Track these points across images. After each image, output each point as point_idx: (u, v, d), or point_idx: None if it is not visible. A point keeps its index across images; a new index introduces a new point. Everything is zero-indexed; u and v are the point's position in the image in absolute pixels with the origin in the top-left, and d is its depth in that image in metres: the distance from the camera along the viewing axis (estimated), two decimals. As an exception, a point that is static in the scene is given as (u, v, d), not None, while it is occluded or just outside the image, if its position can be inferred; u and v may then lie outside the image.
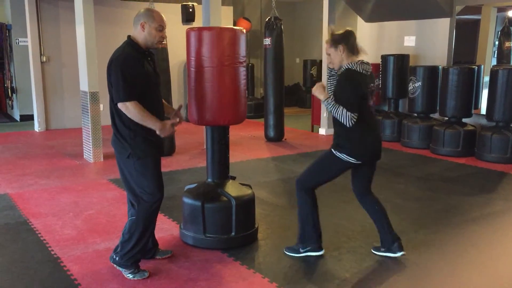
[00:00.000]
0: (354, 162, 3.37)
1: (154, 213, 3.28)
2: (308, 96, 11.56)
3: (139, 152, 3.17)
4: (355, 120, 3.21)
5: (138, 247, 3.26)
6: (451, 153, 6.97)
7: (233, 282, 3.26)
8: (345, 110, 3.19)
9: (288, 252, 3.66)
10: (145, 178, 3.20)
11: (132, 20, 3.21)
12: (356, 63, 3.30)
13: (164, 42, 6.66)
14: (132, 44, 3.17)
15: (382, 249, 3.60)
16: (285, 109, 8.30)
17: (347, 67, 3.29)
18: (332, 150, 3.41)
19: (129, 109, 3.05)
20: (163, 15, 3.23)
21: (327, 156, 3.48)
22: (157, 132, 3.14)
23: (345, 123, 3.22)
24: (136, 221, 3.25)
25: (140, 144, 3.17)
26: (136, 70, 3.07)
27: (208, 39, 3.51)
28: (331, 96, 3.33)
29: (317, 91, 3.33)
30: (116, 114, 3.17)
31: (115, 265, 3.33)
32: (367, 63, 3.36)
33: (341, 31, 3.35)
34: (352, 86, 3.25)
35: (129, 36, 3.21)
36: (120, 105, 3.07)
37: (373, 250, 3.65)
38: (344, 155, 3.35)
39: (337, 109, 3.22)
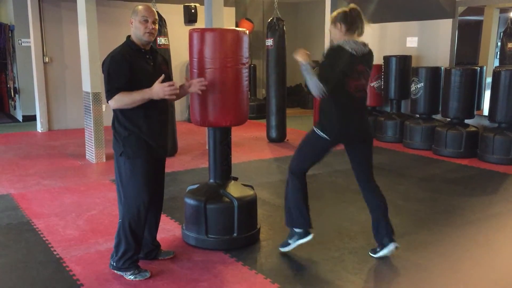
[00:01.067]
0: (328, 139, 3.37)
1: (140, 216, 3.24)
2: (310, 97, 11.55)
3: (130, 152, 3.18)
4: (324, 93, 3.18)
5: (131, 250, 3.26)
6: (453, 154, 6.96)
7: (235, 283, 3.26)
8: (318, 81, 3.17)
9: (280, 248, 3.68)
10: (133, 179, 3.20)
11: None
12: (348, 41, 3.27)
13: (167, 42, 6.73)
14: (129, 44, 3.20)
15: (378, 249, 3.60)
16: (287, 110, 8.29)
17: (338, 43, 3.28)
18: (314, 128, 3.45)
19: (117, 103, 3.10)
20: (151, 7, 3.22)
21: (310, 135, 3.50)
22: (156, 97, 3.11)
23: (313, 92, 3.20)
24: (123, 224, 3.25)
25: (133, 144, 3.17)
26: (122, 69, 3.08)
27: (211, 40, 3.51)
28: (311, 65, 3.26)
29: (299, 54, 3.26)
30: (114, 112, 3.22)
31: (115, 271, 3.32)
32: (364, 44, 3.31)
33: (344, 9, 3.33)
34: (331, 61, 3.24)
35: (128, 36, 3.25)
36: (109, 103, 3.14)
37: (370, 253, 3.64)
38: (319, 131, 3.39)
39: (312, 76, 3.19)
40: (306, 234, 3.57)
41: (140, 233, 3.29)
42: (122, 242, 3.25)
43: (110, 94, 3.09)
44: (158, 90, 3.12)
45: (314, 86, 3.19)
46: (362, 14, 3.32)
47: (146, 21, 3.15)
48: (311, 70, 3.22)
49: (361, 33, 3.33)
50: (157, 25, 3.26)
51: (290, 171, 3.56)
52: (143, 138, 3.19)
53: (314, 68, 3.28)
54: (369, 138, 3.53)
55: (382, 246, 3.55)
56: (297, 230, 3.58)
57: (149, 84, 3.15)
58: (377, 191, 3.59)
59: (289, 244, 3.62)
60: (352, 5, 3.36)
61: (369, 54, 3.37)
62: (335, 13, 3.36)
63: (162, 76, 3.16)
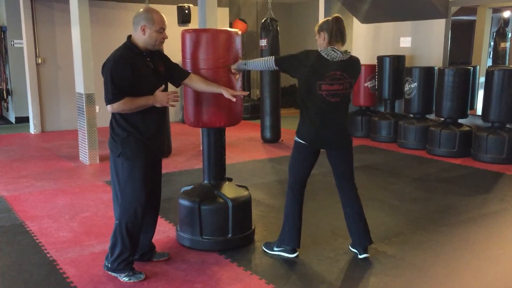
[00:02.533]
0: (305, 143, 3.43)
1: (137, 217, 3.23)
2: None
3: (129, 153, 3.16)
4: (272, 63, 3.42)
5: (127, 251, 3.24)
6: (447, 153, 6.98)
7: (230, 284, 3.25)
8: (262, 59, 3.47)
9: (264, 247, 3.73)
10: (131, 181, 3.19)
11: (129, 22, 3.20)
12: (326, 49, 3.32)
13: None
14: (130, 46, 3.17)
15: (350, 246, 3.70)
16: (281, 111, 8.30)
17: (314, 49, 3.39)
18: (295, 136, 3.54)
19: (118, 109, 3.09)
20: (162, 15, 3.21)
21: (294, 145, 3.57)
22: (157, 105, 3.15)
23: (268, 65, 3.46)
24: (119, 225, 3.23)
25: (131, 145, 3.16)
26: (126, 73, 3.06)
27: (204, 41, 3.50)
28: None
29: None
30: (112, 114, 3.20)
31: (109, 272, 3.31)
32: (344, 52, 3.33)
33: (327, 18, 3.42)
34: (295, 54, 3.39)
35: (129, 37, 3.21)
36: (108, 107, 3.11)
37: (350, 246, 3.69)
38: (296, 137, 3.48)
39: (254, 60, 3.56)
40: (293, 251, 3.62)
41: (136, 234, 3.27)
42: (118, 244, 3.23)
43: (114, 99, 3.06)
44: (162, 98, 3.15)
45: (262, 63, 3.48)
46: (343, 23, 3.38)
47: (162, 32, 3.16)
48: (244, 62, 3.54)
49: (343, 42, 3.38)
50: None
51: (288, 185, 3.60)
52: (141, 140, 3.18)
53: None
54: (347, 144, 3.51)
55: (357, 250, 3.63)
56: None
57: (149, 88, 3.15)
58: (355, 197, 3.60)
59: (273, 249, 3.67)
60: (335, 15, 3.43)
61: (350, 61, 3.38)
62: (319, 23, 3.44)
63: (163, 87, 3.20)
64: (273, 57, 3.47)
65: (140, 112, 3.16)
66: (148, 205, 3.34)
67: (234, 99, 3.43)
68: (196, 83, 3.44)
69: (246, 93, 3.69)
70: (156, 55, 3.32)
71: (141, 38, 3.15)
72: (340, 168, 3.56)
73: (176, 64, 3.47)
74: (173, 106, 3.26)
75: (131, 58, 3.12)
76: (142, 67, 3.16)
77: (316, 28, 3.41)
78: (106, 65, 3.10)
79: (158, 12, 3.20)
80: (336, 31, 3.32)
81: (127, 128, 3.16)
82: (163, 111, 3.33)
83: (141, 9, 3.21)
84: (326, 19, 3.41)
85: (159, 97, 3.15)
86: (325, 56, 3.30)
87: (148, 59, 3.22)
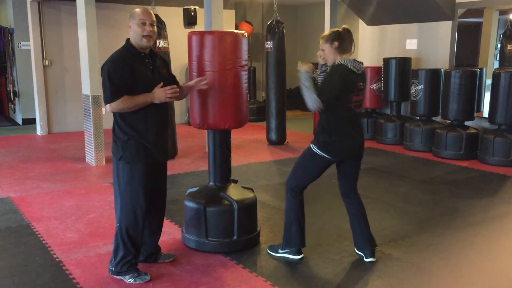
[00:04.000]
0: (327, 157, 3.40)
1: (138, 221, 3.23)
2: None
3: (129, 157, 3.16)
4: (319, 106, 3.26)
5: (130, 255, 3.25)
6: (453, 156, 6.95)
7: (235, 285, 3.25)
8: (314, 94, 3.25)
9: (269, 250, 3.72)
10: (131, 184, 3.19)
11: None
12: (349, 60, 3.35)
13: (166, 45, 6.73)
14: (128, 47, 3.19)
15: (356, 249, 3.67)
16: (287, 113, 8.29)
17: (340, 62, 3.35)
18: (311, 145, 3.47)
19: (117, 108, 3.10)
20: (147, 9, 3.21)
21: (306, 152, 3.52)
22: (156, 101, 3.14)
23: (308, 103, 3.29)
24: (120, 229, 3.24)
25: (132, 149, 3.16)
26: (123, 73, 3.08)
27: (210, 43, 3.51)
28: (312, 77, 3.35)
29: (304, 65, 3.34)
30: (114, 116, 3.21)
31: (114, 276, 3.31)
32: (360, 62, 3.41)
33: (338, 29, 3.41)
34: (338, 80, 3.30)
35: (127, 39, 3.23)
36: (107, 107, 3.12)
37: (356, 249, 3.68)
38: (316, 148, 3.41)
39: (309, 88, 3.27)
40: (298, 252, 3.62)
41: (138, 238, 3.27)
42: (120, 247, 3.24)
43: (112, 98, 3.08)
44: (160, 94, 3.13)
45: (311, 99, 3.26)
46: (352, 34, 3.42)
47: (144, 24, 3.13)
48: (311, 82, 3.30)
49: (352, 52, 3.42)
50: (155, 27, 3.24)
51: (289, 188, 3.58)
52: (142, 143, 3.17)
53: (315, 80, 3.38)
54: (362, 154, 3.55)
55: (363, 254, 3.60)
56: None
57: (148, 89, 3.14)
58: (359, 201, 3.61)
59: (278, 252, 3.67)
60: (344, 26, 3.44)
61: (363, 71, 3.45)
62: (327, 33, 3.44)
63: (161, 84, 3.17)
64: (317, 98, 3.24)
65: (142, 114, 3.15)
66: (151, 208, 3.35)
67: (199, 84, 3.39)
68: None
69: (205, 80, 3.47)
70: (158, 58, 3.33)
71: (132, 37, 3.18)
72: (349, 177, 3.57)
73: (173, 75, 3.49)
74: (171, 100, 3.23)
75: (129, 58, 3.14)
76: (141, 67, 3.17)
77: (325, 38, 3.39)
78: (104, 66, 3.13)
79: (144, 8, 3.21)
80: (348, 41, 3.36)
81: (128, 131, 3.16)
82: (165, 112, 3.32)
83: None
84: (335, 29, 3.41)
85: (157, 93, 3.13)
86: (353, 69, 3.33)
87: (147, 60, 3.22)
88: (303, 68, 3.32)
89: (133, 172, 3.18)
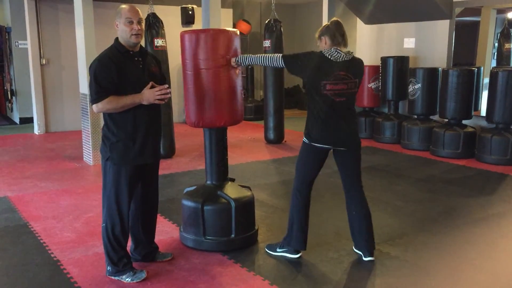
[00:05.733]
0: (314, 144, 3.42)
1: (122, 222, 3.21)
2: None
3: (116, 158, 3.15)
4: (281, 62, 3.43)
5: (120, 251, 3.24)
6: (451, 155, 6.96)
7: (233, 284, 3.25)
8: (271, 55, 3.48)
9: (267, 249, 3.73)
10: (116, 185, 3.17)
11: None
12: (329, 49, 3.35)
13: (164, 44, 6.72)
14: (116, 46, 3.16)
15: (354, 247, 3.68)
16: (285, 111, 8.28)
17: (318, 51, 3.42)
18: (303, 138, 3.52)
19: (103, 108, 3.07)
20: (134, 7, 3.14)
21: (301, 147, 3.55)
22: (144, 102, 3.08)
23: (271, 64, 3.49)
24: (106, 229, 3.23)
25: (120, 151, 3.14)
26: (109, 73, 3.04)
27: (202, 41, 3.51)
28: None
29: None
30: (103, 116, 3.19)
31: (111, 277, 3.30)
32: (347, 53, 3.37)
33: (326, 23, 3.44)
34: (300, 54, 3.42)
35: (116, 38, 3.20)
36: (93, 107, 3.10)
37: (354, 248, 3.68)
38: (304, 138, 3.46)
39: (259, 56, 3.57)
40: (296, 252, 3.62)
41: (123, 238, 3.25)
42: (108, 248, 3.24)
43: (98, 98, 3.04)
44: (149, 95, 3.09)
45: (268, 59, 3.50)
46: (343, 26, 3.41)
47: (131, 22, 3.09)
48: (250, 54, 3.52)
49: (345, 44, 3.40)
50: (143, 24, 3.20)
51: (294, 187, 3.59)
52: (131, 144, 3.14)
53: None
54: (355, 144, 3.50)
55: (362, 252, 3.61)
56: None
57: (137, 87, 3.11)
58: (362, 199, 3.59)
59: (276, 251, 3.67)
60: (334, 19, 3.45)
61: (353, 61, 3.40)
62: (319, 29, 3.46)
63: (150, 84, 3.13)
64: (282, 55, 3.49)
65: (130, 114, 3.12)
66: (144, 207, 3.37)
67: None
68: None
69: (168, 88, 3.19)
70: (148, 55, 3.30)
71: (120, 36, 3.15)
72: (347, 169, 3.55)
73: (163, 75, 3.45)
74: (161, 102, 3.14)
75: (117, 57, 3.10)
76: (129, 66, 3.13)
77: (317, 35, 3.43)
78: (91, 65, 3.10)
79: (130, 5, 3.17)
80: (337, 34, 3.35)
81: (116, 132, 3.14)
82: (156, 112, 3.28)
83: None
84: (325, 24, 3.44)
85: (146, 95, 3.08)
86: (328, 57, 3.33)
87: (137, 58, 3.19)
88: (232, 63, 3.56)
89: (120, 173, 3.16)
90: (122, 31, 3.11)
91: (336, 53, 3.33)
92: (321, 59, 3.34)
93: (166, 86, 3.14)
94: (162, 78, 3.40)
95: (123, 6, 3.17)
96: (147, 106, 3.15)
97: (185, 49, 3.59)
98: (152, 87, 3.13)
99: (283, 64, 3.45)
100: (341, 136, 3.44)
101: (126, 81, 3.09)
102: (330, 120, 3.38)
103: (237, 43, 3.64)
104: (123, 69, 3.09)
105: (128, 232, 3.30)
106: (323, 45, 3.39)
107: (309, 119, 3.45)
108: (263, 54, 3.61)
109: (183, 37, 3.60)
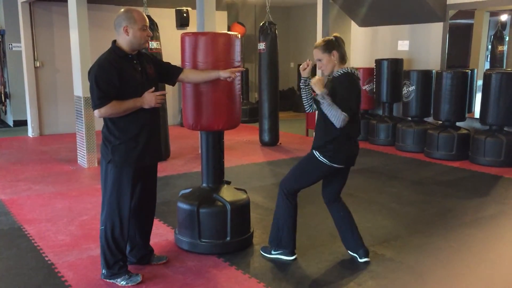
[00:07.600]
0: (336, 166, 3.39)
1: (122, 224, 3.20)
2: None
3: (118, 160, 3.14)
4: (346, 122, 3.23)
5: (118, 255, 3.23)
6: (445, 156, 6.99)
7: (229, 287, 3.25)
8: (340, 111, 3.20)
9: (262, 251, 3.73)
10: (117, 187, 3.17)
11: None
12: (351, 68, 3.38)
13: (159, 46, 6.72)
14: (115, 50, 3.14)
15: (349, 251, 3.68)
16: (279, 114, 8.30)
17: (346, 71, 3.34)
18: (315, 152, 3.42)
19: (105, 113, 3.07)
20: (142, 13, 3.18)
21: (309, 158, 3.48)
22: (146, 106, 3.12)
23: (336, 123, 3.23)
24: (105, 231, 3.22)
25: (122, 153, 3.13)
26: (110, 77, 3.04)
27: (203, 44, 3.51)
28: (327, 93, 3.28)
29: (318, 84, 3.27)
30: (104, 119, 3.17)
31: (107, 280, 3.29)
32: (357, 69, 3.46)
33: (331, 37, 3.41)
34: (354, 90, 3.33)
35: (113, 41, 3.17)
36: (96, 113, 3.09)
37: (349, 250, 3.69)
38: (321, 156, 3.37)
39: (332, 107, 3.22)
40: (291, 254, 3.62)
41: (122, 241, 3.24)
42: (106, 251, 3.23)
43: (100, 103, 3.04)
44: (150, 99, 3.12)
45: (337, 116, 3.21)
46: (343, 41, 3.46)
47: (145, 29, 3.12)
48: (329, 99, 3.24)
49: (346, 60, 3.43)
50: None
51: (283, 190, 3.56)
52: (133, 146, 3.15)
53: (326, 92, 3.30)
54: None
55: (356, 255, 3.62)
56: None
57: (137, 91, 3.12)
58: (343, 202, 3.64)
59: (271, 253, 3.67)
60: (336, 34, 3.45)
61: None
62: (322, 42, 3.40)
63: (153, 88, 3.16)
64: (344, 114, 3.21)
65: (132, 117, 3.12)
66: (142, 210, 3.36)
67: (234, 76, 3.41)
68: (192, 75, 3.43)
69: (242, 69, 3.55)
70: (144, 57, 3.29)
71: (125, 40, 3.11)
72: (339, 183, 3.59)
73: (167, 63, 3.47)
74: (159, 106, 3.20)
75: (117, 61, 3.09)
76: (129, 69, 3.13)
77: (322, 48, 3.36)
78: (91, 71, 3.08)
79: (138, 10, 3.17)
80: (344, 49, 3.39)
81: (118, 135, 3.13)
82: (156, 115, 3.29)
83: (121, 11, 3.16)
84: (330, 39, 3.39)
85: (147, 99, 3.11)
86: (358, 76, 3.40)
87: (135, 61, 3.18)
88: (318, 87, 3.26)
89: (121, 175, 3.16)
90: (134, 37, 3.09)
91: (357, 72, 3.40)
92: (356, 80, 3.37)
93: (165, 92, 3.22)
94: (167, 68, 3.42)
95: (133, 11, 3.13)
96: (148, 109, 3.17)
97: (185, 51, 3.59)
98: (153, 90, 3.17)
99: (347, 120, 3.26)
100: (356, 154, 3.49)
101: (127, 85, 3.09)
102: (355, 139, 3.44)
103: (237, 46, 3.63)
104: (124, 73, 3.09)
105: (127, 235, 3.29)
106: (331, 58, 3.34)
107: (337, 141, 3.33)
108: (335, 108, 3.22)
109: (183, 39, 3.59)
